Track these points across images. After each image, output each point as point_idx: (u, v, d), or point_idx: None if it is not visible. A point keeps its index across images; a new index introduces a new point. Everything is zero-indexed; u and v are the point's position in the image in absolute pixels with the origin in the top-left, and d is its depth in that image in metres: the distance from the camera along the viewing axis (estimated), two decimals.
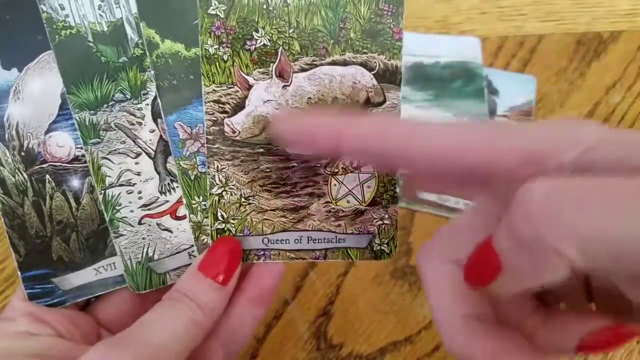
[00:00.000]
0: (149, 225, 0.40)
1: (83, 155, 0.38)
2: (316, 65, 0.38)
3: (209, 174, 0.39)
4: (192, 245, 0.40)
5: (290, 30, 0.38)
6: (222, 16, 0.37)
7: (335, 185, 0.40)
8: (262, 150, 0.39)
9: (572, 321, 0.29)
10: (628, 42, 0.68)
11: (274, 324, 0.56)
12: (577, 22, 0.68)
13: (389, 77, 0.39)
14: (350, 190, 0.40)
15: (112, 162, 0.38)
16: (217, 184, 0.39)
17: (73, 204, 0.39)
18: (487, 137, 0.27)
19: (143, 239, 0.40)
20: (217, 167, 0.39)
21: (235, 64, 0.38)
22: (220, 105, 0.38)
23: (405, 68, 0.63)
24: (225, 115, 0.38)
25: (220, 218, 0.40)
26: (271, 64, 0.38)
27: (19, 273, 0.38)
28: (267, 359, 0.55)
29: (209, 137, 0.38)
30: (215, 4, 0.37)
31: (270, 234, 0.40)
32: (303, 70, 0.38)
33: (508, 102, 0.64)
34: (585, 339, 0.28)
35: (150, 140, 0.39)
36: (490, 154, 0.27)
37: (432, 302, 0.31)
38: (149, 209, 0.39)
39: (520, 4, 0.68)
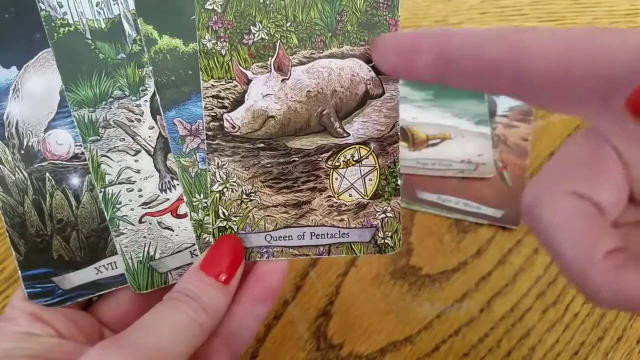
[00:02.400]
0: (150, 223, 0.39)
1: (82, 153, 0.38)
2: (314, 59, 0.38)
3: (210, 171, 0.39)
4: (194, 244, 0.40)
5: (288, 24, 0.38)
6: (219, 11, 0.37)
7: (336, 179, 0.40)
8: (262, 145, 0.39)
9: None
10: None
11: (274, 324, 0.56)
12: (577, 22, 0.68)
13: None
14: (352, 184, 0.40)
15: (111, 159, 0.38)
16: (218, 181, 0.39)
17: (73, 202, 0.38)
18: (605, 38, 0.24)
19: (144, 237, 0.39)
20: (218, 163, 0.39)
21: (233, 58, 0.38)
22: (219, 100, 0.38)
23: None
24: (225, 110, 0.38)
25: (221, 215, 0.39)
26: (269, 58, 0.38)
27: (19, 272, 0.38)
28: (267, 359, 0.55)
29: (209, 133, 0.38)
30: None
31: (272, 230, 0.40)
32: (301, 63, 0.38)
33: (508, 102, 0.64)
34: None
35: (150, 137, 0.38)
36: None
37: (561, 244, 0.26)
38: (149, 207, 0.39)
39: (520, 4, 0.68)
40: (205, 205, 0.39)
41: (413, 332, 0.56)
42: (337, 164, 0.39)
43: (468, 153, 0.62)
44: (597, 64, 0.24)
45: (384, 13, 0.38)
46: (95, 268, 0.39)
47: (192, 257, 0.40)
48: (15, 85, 0.37)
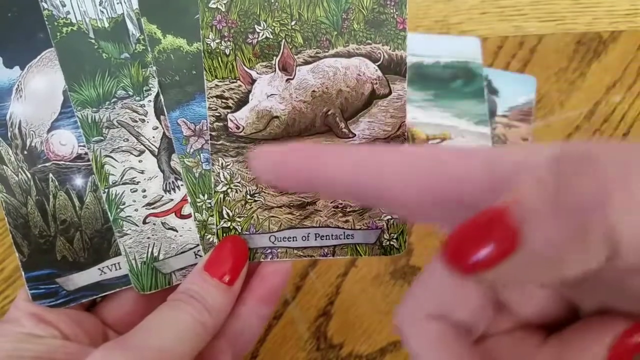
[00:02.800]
0: (154, 224, 0.39)
1: (86, 154, 0.38)
2: (320, 58, 0.38)
3: (214, 172, 0.39)
4: (198, 245, 0.40)
5: (293, 23, 0.37)
6: (223, 10, 0.37)
7: None
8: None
9: (594, 333, 0.25)
10: (628, 42, 0.68)
11: (274, 324, 0.56)
12: (577, 22, 0.68)
13: (394, 68, 0.39)
14: None
15: (115, 160, 0.38)
16: (222, 182, 0.39)
17: (77, 203, 0.38)
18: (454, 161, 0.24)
19: (148, 238, 0.39)
20: (222, 164, 0.38)
21: (237, 58, 0.38)
22: (224, 100, 0.38)
23: None
24: (229, 110, 0.38)
25: (225, 216, 0.39)
26: (274, 57, 0.38)
27: (23, 273, 0.38)
28: (267, 359, 0.55)
29: (213, 133, 0.38)
30: None
31: (277, 231, 0.40)
32: (306, 63, 0.38)
33: (508, 102, 0.64)
34: (614, 347, 0.24)
35: (154, 137, 0.38)
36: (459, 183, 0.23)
37: None
38: (153, 208, 0.39)
39: (520, 4, 0.68)
40: (210, 205, 0.39)
41: None
42: None
43: None
44: (456, 190, 0.23)
45: (392, 11, 0.38)
46: (99, 269, 0.39)
47: (196, 257, 0.40)
48: (18, 85, 0.36)
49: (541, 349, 0.27)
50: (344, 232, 0.40)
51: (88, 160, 0.38)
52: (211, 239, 0.39)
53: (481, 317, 0.27)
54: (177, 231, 0.39)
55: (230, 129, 0.38)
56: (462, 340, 0.27)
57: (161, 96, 0.38)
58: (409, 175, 0.25)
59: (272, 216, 0.39)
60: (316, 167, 0.27)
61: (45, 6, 0.36)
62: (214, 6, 0.37)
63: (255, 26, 0.37)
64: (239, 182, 0.39)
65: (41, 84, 0.37)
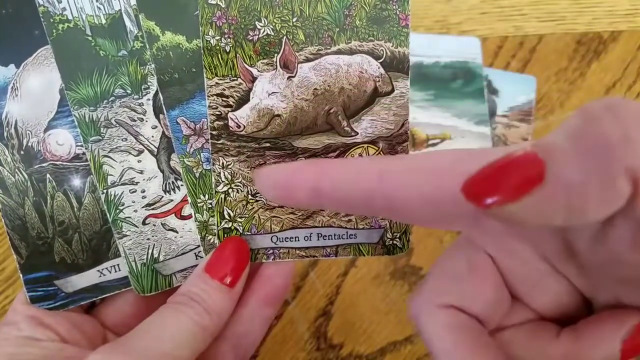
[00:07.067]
0: (154, 225, 0.38)
1: (84, 154, 0.37)
2: (321, 55, 0.37)
3: (214, 171, 0.38)
4: (199, 246, 0.39)
5: (294, 19, 0.37)
6: (223, 6, 0.36)
7: None
8: (268, 144, 0.38)
9: (608, 326, 0.26)
10: (628, 42, 0.68)
11: (274, 324, 0.56)
12: (577, 22, 0.68)
13: (396, 65, 0.38)
14: None
15: (113, 160, 0.37)
16: (223, 182, 0.38)
17: (75, 204, 0.37)
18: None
19: (147, 239, 0.38)
20: (223, 163, 0.38)
21: (238, 55, 0.37)
22: (224, 98, 0.37)
23: None
24: (229, 109, 0.37)
25: (226, 217, 0.38)
26: (275, 55, 0.37)
27: (21, 275, 0.37)
28: (267, 359, 0.55)
29: (213, 132, 0.37)
30: None
31: (279, 231, 0.39)
32: (308, 60, 0.37)
33: (508, 102, 0.64)
34: (628, 339, 0.25)
35: (153, 136, 0.37)
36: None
37: (438, 357, 0.27)
38: (153, 209, 0.38)
39: (520, 4, 0.68)
40: (210, 206, 0.38)
41: (413, 332, 0.56)
42: None
43: None
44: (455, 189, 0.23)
45: (394, 7, 0.37)
46: (98, 271, 0.38)
47: (196, 259, 0.39)
48: (13, 83, 0.36)
49: (555, 341, 0.27)
50: (347, 232, 0.39)
51: (86, 161, 0.37)
52: (212, 240, 0.39)
53: (496, 309, 0.28)
54: (177, 232, 0.39)
55: (231, 128, 0.37)
56: (479, 330, 0.27)
57: (160, 94, 0.37)
58: (410, 180, 0.26)
59: (274, 216, 0.39)
60: (321, 180, 0.28)
61: (41, 2, 0.35)
62: (213, 2, 0.36)
63: (256, 23, 0.37)
64: (240, 182, 0.38)
65: (37, 83, 0.36)
